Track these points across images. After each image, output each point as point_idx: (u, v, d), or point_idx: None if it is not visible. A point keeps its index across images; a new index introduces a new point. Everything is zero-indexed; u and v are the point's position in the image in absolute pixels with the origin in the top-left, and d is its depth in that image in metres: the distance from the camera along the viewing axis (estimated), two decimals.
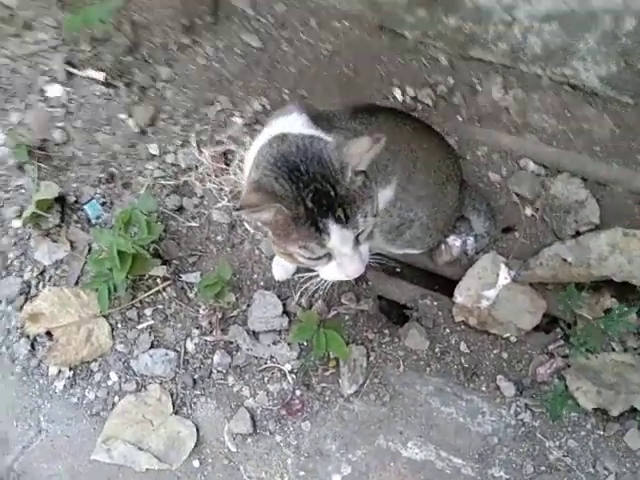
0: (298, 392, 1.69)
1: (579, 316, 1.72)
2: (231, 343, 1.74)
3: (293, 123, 1.27)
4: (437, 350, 1.76)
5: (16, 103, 2.07)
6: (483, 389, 1.70)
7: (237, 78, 2.05)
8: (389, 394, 1.69)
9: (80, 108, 2.04)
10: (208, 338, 1.74)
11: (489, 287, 1.81)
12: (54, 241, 1.90)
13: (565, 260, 1.77)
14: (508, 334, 1.77)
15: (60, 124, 2.02)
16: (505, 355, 1.75)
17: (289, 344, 1.73)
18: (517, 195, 1.90)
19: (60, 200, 1.93)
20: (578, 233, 1.84)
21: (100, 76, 2.05)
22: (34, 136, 2.00)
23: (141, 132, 2.00)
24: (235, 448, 1.65)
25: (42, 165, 1.98)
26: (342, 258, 1.13)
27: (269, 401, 1.69)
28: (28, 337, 1.78)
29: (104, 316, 1.79)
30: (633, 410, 1.62)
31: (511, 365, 1.73)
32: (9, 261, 1.88)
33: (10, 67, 2.05)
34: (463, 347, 1.76)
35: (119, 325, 1.78)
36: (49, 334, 1.77)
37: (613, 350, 1.71)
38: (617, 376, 1.64)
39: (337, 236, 1.08)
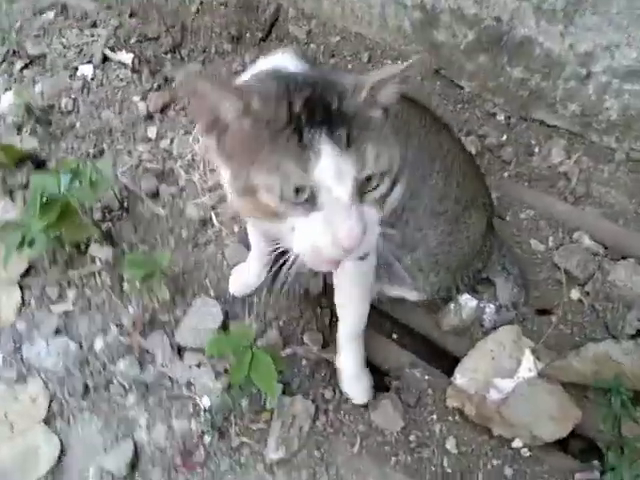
0: (207, 439, 1.21)
1: (627, 443, 1.17)
2: (147, 352, 1.32)
3: (289, 60, 0.93)
4: (413, 438, 1.24)
5: (47, 77, 1.98)
6: None
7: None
8: (329, 478, 1.17)
9: (99, 86, 1.92)
10: (123, 339, 1.34)
11: (504, 375, 1.32)
12: (12, 200, 1.66)
13: (617, 362, 1.26)
14: (519, 441, 1.23)
15: (73, 95, 1.88)
16: (509, 471, 1.20)
17: (216, 374, 1.28)
18: (564, 272, 1.45)
19: (38, 164, 1.72)
20: (638, 334, 1.34)
21: (129, 59, 1.94)
22: (43, 101, 1.87)
23: (148, 116, 1.82)
24: None
25: (39, 129, 1.81)
26: (333, 207, 0.73)
27: (166, 440, 1.22)
28: None
29: (21, 287, 1.46)
30: None
31: None
32: None
33: (58, 52, 2.01)
34: (450, 444, 1.24)
35: (32, 301, 1.45)
36: None
37: None
38: None
39: (330, 162, 0.72)
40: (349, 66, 1.93)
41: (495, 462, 1.22)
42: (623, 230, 1.52)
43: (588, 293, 1.43)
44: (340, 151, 0.73)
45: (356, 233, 0.72)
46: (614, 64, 1.55)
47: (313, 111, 0.74)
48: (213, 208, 1.56)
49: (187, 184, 1.63)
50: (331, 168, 0.72)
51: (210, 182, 1.60)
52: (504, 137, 1.73)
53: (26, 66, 2.06)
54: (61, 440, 1.24)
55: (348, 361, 1.26)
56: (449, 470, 1.21)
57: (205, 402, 1.26)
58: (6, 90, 1.97)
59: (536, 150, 1.70)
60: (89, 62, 2.00)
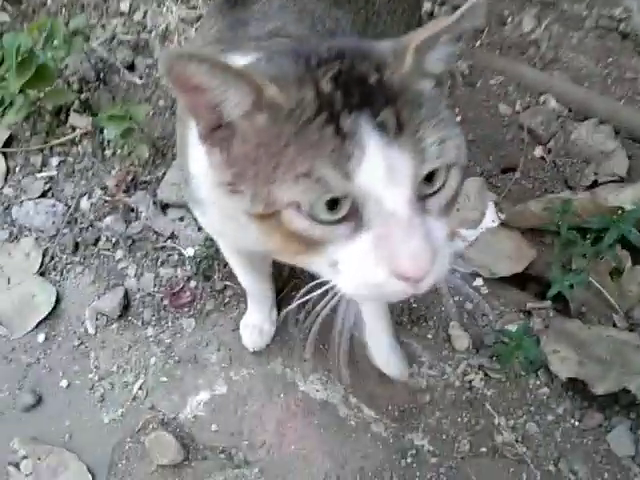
0: (193, 283, 1.32)
1: (574, 270, 1.28)
2: (132, 211, 1.40)
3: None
4: None
5: None
6: (429, 336, 1.27)
7: None
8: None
9: None
10: (107, 198, 1.40)
11: (469, 226, 1.41)
12: None
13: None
14: (479, 279, 1.34)
15: None
16: (469, 305, 1.32)
17: (199, 227, 1.36)
18: (528, 131, 1.52)
19: None
20: (595, 185, 1.43)
21: None
22: None
23: None
24: (93, 330, 1.28)
25: (9, 7, 1.78)
26: (388, 223, 0.53)
27: (155, 286, 1.32)
28: None
29: (4, 155, 1.50)
30: (627, 404, 1.14)
31: (473, 317, 1.30)
32: None
33: None
34: None
35: (17, 169, 1.50)
36: None
37: (614, 326, 1.25)
38: (613, 353, 1.18)
39: (379, 156, 0.51)
40: None
41: (457, 298, 1.33)
42: (588, 92, 1.58)
43: (550, 151, 1.51)
44: (390, 140, 0.52)
45: (424, 258, 0.52)
46: None
47: (347, 89, 0.54)
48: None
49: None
50: (382, 165, 0.51)
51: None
52: None
53: None
54: (57, 290, 1.32)
55: (379, 339, 1.18)
56: (415, 306, 1.32)
57: (189, 252, 1.34)
58: None
59: (509, 20, 1.73)
60: None
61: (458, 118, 1.56)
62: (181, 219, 1.38)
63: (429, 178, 0.55)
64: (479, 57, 1.66)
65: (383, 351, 1.19)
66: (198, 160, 0.66)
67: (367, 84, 0.54)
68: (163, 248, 1.37)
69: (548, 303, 1.31)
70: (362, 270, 0.54)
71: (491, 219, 1.44)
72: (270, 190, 0.53)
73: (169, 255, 1.36)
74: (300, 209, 0.53)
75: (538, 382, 1.21)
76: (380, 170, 0.51)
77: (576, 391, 1.18)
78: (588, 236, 1.25)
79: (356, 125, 0.51)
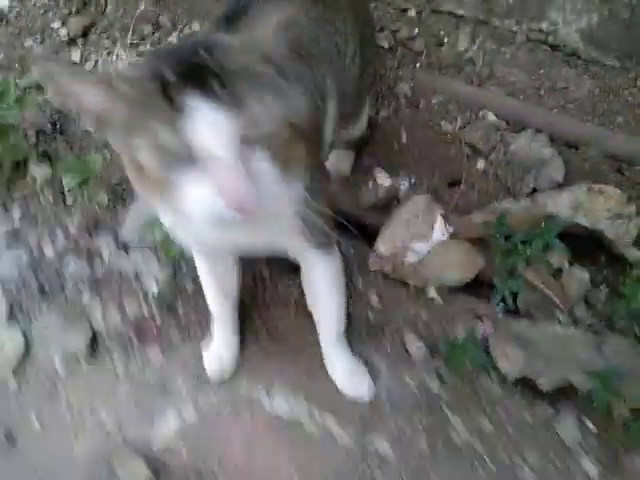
0: (158, 317, 1.43)
1: (517, 276, 1.43)
2: (92, 257, 1.52)
3: None
4: None
5: None
6: (387, 348, 1.40)
7: (185, 1, 1.99)
8: (266, 336, 1.41)
9: (18, 17, 2.01)
10: (70, 245, 1.53)
11: (420, 239, 1.55)
12: None
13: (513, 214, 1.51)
14: (432, 291, 1.48)
15: None
16: (425, 316, 1.46)
17: (160, 265, 1.49)
18: (469, 146, 1.68)
19: None
20: (535, 191, 1.59)
21: None
22: None
23: (70, 41, 1.95)
24: (64, 371, 1.38)
25: None
26: (214, 165, 0.70)
27: (123, 323, 1.44)
28: None
29: None
30: (571, 395, 1.27)
31: (429, 326, 1.43)
32: None
33: None
34: (374, 300, 1.48)
35: None
36: None
37: (559, 322, 1.39)
38: (557, 349, 1.32)
39: (205, 117, 0.69)
40: None
41: (413, 310, 1.47)
42: (523, 104, 1.75)
43: (491, 163, 1.66)
44: (215, 101, 0.70)
45: (244, 191, 0.69)
46: None
47: (185, 74, 0.72)
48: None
49: None
50: (206, 123, 0.69)
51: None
52: (415, 30, 1.91)
53: None
54: (25, 336, 1.44)
55: (340, 365, 1.32)
56: (374, 322, 1.45)
57: (153, 288, 1.47)
58: None
59: (445, 40, 1.89)
60: None
61: (404, 138, 1.72)
62: (143, 258, 1.50)
63: (255, 125, 0.72)
64: (420, 78, 1.83)
65: (344, 377, 1.33)
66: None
67: (199, 65, 0.72)
68: (127, 287, 1.48)
69: (497, 307, 1.45)
70: (199, 200, 0.72)
71: (440, 232, 1.57)
72: (130, 147, 0.74)
73: (134, 294, 1.48)
74: (151, 157, 0.72)
75: (490, 381, 1.34)
76: (206, 124, 0.69)
77: (525, 387, 1.31)
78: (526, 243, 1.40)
79: (187, 94, 0.69)
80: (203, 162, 0.70)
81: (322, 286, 1.23)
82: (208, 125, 0.69)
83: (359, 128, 1.59)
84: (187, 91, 0.70)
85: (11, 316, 1.47)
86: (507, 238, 1.44)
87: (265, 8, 0.78)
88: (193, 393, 1.34)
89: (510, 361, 1.31)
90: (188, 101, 0.69)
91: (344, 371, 1.34)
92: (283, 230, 1.00)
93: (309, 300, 1.29)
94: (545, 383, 1.27)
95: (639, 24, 1.67)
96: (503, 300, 1.40)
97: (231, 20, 1.01)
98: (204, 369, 1.35)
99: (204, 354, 1.36)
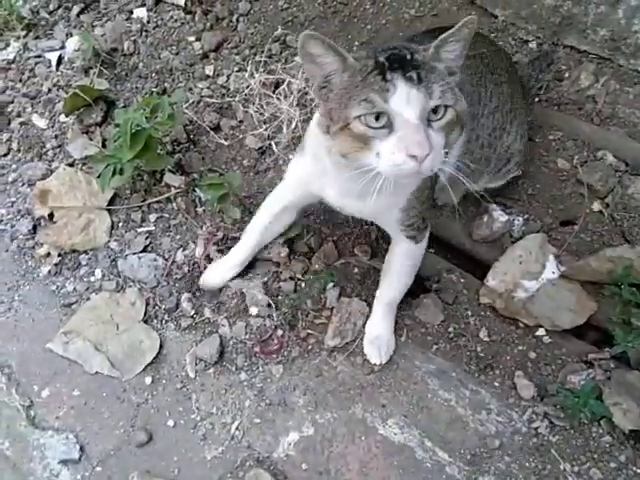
0: (280, 332, 1.47)
1: (635, 328, 1.36)
2: None
3: None
4: (451, 330, 1.47)
5: (104, 21, 2.12)
6: (496, 384, 1.38)
7: (311, 23, 1.99)
8: None
9: (156, 28, 2.06)
10: (199, 254, 1.57)
11: (531, 277, 1.51)
12: (90, 139, 1.86)
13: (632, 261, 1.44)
14: (542, 330, 1.44)
15: (133, 37, 2.03)
16: (532, 355, 1.42)
17: (283, 279, 1.51)
18: (587, 186, 1.61)
19: (109, 104, 1.90)
20: None
21: (181, 1, 2.07)
22: (107, 45, 2.03)
23: (203, 55, 1.98)
24: (193, 374, 1.44)
25: (105, 71, 1.98)
26: (405, 127, 0.92)
27: (246, 334, 1.47)
28: (33, 218, 1.71)
29: (109, 211, 1.69)
30: None
31: (537, 366, 1.40)
32: (44, 149, 1.86)
33: None
34: (483, 334, 1.46)
35: (120, 224, 1.68)
36: (51, 217, 1.68)
37: None
38: None
39: (404, 92, 0.92)
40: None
41: (521, 347, 1.44)
42: None
43: (608, 205, 1.59)
44: (412, 85, 0.92)
45: (424, 145, 0.90)
46: None
47: (393, 61, 0.96)
48: (270, 138, 1.74)
49: (245, 117, 1.80)
50: (404, 97, 0.92)
51: (266, 114, 1.77)
52: (537, 62, 1.83)
53: (82, 11, 2.21)
54: (160, 335, 1.49)
55: (377, 323, 1.43)
56: (482, 355, 1.43)
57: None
58: (67, 36, 2.13)
59: (566, 75, 1.81)
60: (142, 5, 2.14)
61: (519, 172, 1.66)
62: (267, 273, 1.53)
63: (435, 112, 0.95)
64: (538, 112, 1.76)
65: (374, 339, 1.41)
66: (311, 130, 1.19)
67: (405, 60, 0.96)
68: (251, 300, 1.51)
69: (608, 354, 1.39)
70: (392, 155, 0.92)
71: (551, 271, 1.53)
72: (345, 112, 0.95)
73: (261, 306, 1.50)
74: (361, 120, 0.94)
75: (601, 430, 1.30)
76: (404, 98, 0.92)
77: (637, 440, 1.27)
78: None
79: (393, 77, 0.93)
80: (398, 127, 0.92)
81: (397, 263, 1.36)
82: (407, 99, 0.92)
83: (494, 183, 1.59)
84: (394, 74, 0.93)
85: (146, 314, 1.53)
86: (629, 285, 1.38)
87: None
88: (311, 409, 1.36)
89: (625, 413, 1.27)
90: (394, 80, 0.93)
91: (375, 331, 1.43)
92: (392, 208, 1.21)
93: (384, 266, 1.41)
94: None
95: None
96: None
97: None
98: (322, 386, 1.38)
99: (210, 265, 1.53)
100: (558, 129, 1.72)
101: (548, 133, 1.72)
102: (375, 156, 0.95)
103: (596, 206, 1.60)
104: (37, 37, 2.14)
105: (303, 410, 1.37)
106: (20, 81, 2.01)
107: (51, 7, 2.24)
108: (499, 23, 1.93)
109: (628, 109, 1.72)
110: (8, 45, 2.11)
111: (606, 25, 1.75)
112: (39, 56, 2.08)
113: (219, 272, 1.53)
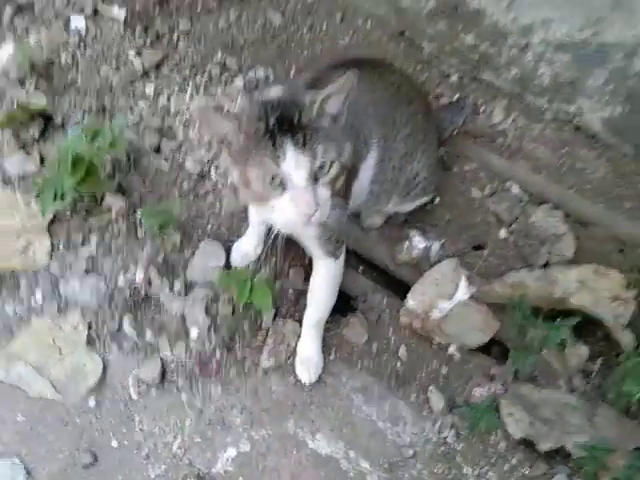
0: (218, 353, 1.51)
1: (530, 346, 1.51)
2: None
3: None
4: (374, 347, 1.57)
5: (39, 26, 2.02)
6: (412, 398, 1.50)
7: (251, 46, 1.99)
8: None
9: (94, 40, 1.98)
10: (139, 278, 1.57)
11: (445, 299, 1.62)
12: (27, 153, 1.79)
13: (530, 287, 1.58)
14: (453, 348, 1.57)
15: (71, 49, 1.95)
16: (444, 370, 1.55)
17: (222, 302, 1.55)
18: (494, 214, 1.73)
19: (46, 119, 1.84)
20: (547, 264, 1.66)
21: (121, 15, 2.00)
22: (43, 55, 1.94)
23: (144, 73, 1.93)
24: (136, 396, 1.47)
25: (41, 83, 1.90)
26: (295, 189, 1.03)
27: (186, 356, 1.50)
28: None
29: (49, 233, 1.65)
30: (566, 456, 1.38)
31: (448, 381, 1.53)
32: None
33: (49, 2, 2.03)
34: (402, 352, 1.57)
35: (61, 246, 1.65)
36: None
37: (559, 387, 1.49)
38: (556, 414, 1.42)
39: (292, 157, 1.01)
40: (324, 24, 2.04)
41: (435, 364, 1.56)
42: (545, 180, 1.79)
43: (512, 232, 1.72)
44: (298, 149, 1.01)
45: (311, 204, 1.02)
46: (548, 37, 1.74)
47: (282, 124, 1.03)
48: (209, 162, 1.74)
49: (185, 139, 1.79)
50: (293, 161, 1.01)
51: (206, 137, 1.77)
52: (456, 96, 1.93)
53: (15, 14, 2.08)
54: (102, 359, 1.50)
55: (307, 345, 1.50)
56: (401, 371, 1.54)
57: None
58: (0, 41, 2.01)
59: (482, 109, 1.91)
60: (80, 12, 2.04)
61: (436, 200, 1.76)
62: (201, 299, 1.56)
63: (322, 167, 1.04)
64: (455, 143, 1.86)
65: (304, 359, 1.49)
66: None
67: (293, 121, 1.03)
68: (191, 322, 1.55)
69: (508, 368, 1.54)
70: (284, 210, 1.05)
71: (463, 293, 1.65)
72: (245, 171, 1.06)
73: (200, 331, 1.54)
74: (257, 178, 1.04)
75: (497, 438, 1.44)
76: (293, 162, 1.01)
77: (527, 445, 1.42)
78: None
79: (283, 142, 1.01)
80: (290, 187, 1.02)
81: (318, 281, 1.43)
82: (295, 163, 1.01)
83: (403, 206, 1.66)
84: (283, 138, 1.01)
85: (89, 338, 1.53)
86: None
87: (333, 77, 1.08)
88: (247, 427, 1.43)
89: (516, 423, 1.41)
90: (284, 146, 1.01)
91: (304, 352, 1.50)
92: (312, 234, 1.30)
93: (309, 287, 1.47)
94: (544, 445, 1.38)
95: None
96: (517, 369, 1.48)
97: (313, 82, 1.27)
98: (258, 405, 1.44)
99: (234, 247, 1.61)
100: (473, 160, 1.83)
101: (464, 164, 1.82)
102: (271, 208, 1.08)
103: (502, 233, 1.73)
104: None
105: (240, 428, 1.43)
106: None
107: None
108: (425, 56, 2.00)
109: (533, 144, 1.84)
110: None
111: (517, 66, 1.85)
112: None
113: (242, 254, 1.62)
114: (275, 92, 1.17)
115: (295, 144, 1.02)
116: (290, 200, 1.04)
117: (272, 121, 1.04)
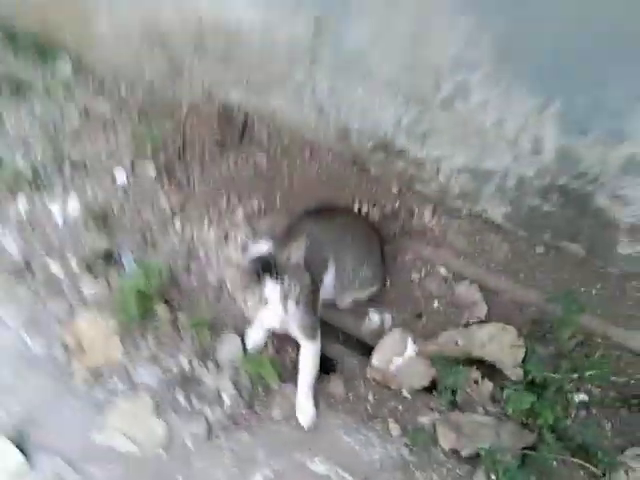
0: (244, 411, 2.20)
1: (454, 385, 2.19)
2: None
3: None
4: (350, 396, 2.25)
5: (93, 180, 2.81)
6: (378, 428, 2.17)
7: (246, 183, 2.74)
8: None
9: (135, 190, 2.76)
10: (185, 363, 2.29)
11: (398, 356, 2.32)
12: (95, 277, 2.54)
13: (456, 343, 2.28)
14: (405, 391, 2.25)
15: (118, 200, 2.73)
16: (400, 407, 2.23)
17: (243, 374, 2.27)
18: (429, 291, 2.45)
19: (107, 254, 2.60)
20: (468, 324, 2.36)
21: (152, 171, 2.79)
22: (99, 206, 2.72)
23: (172, 213, 2.68)
24: (192, 446, 2.14)
25: (100, 226, 2.67)
26: (273, 304, 1.78)
27: (222, 415, 2.20)
28: (66, 346, 2.38)
29: (120, 338, 2.39)
30: (483, 461, 2.05)
31: (402, 414, 2.20)
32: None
33: (97, 159, 2.82)
34: (370, 397, 2.25)
35: (130, 346, 2.36)
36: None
37: (477, 412, 2.16)
38: (473, 431, 2.09)
39: (270, 286, 1.76)
40: (297, 160, 2.82)
41: (393, 403, 2.24)
42: (463, 262, 2.51)
43: (442, 303, 2.43)
44: (274, 282, 1.75)
45: (281, 310, 1.78)
46: (452, 164, 2.48)
47: (265, 268, 1.77)
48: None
49: (206, 261, 2.54)
50: (271, 288, 1.75)
51: (221, 257, 2.52)
52: (397, 204, 2.67)
53: (72, 170, 2.88)
54: (166, 422, 2.20)
55: (302, 400, 2.10)
56: (370, 410, 2.22)
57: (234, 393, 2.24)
58: (64, 193, 2.79)
59: (416, 212, 2.65)
60: (119, 163, 2.83)
61: (388, 283, 2.49)
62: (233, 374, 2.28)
63: (290, 289, 1.82)
64: (397, 241, 2.59)
65: (302, 410, 2.10)
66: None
67: (271, 266, 1.78)
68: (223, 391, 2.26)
69: (442, 401, 2.22)
70: (267, 317, 1.88)
71: (410, 351, 2.35)
72: (244, 292, 1.90)
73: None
74: (252, 299, 1.85)
75: (437, 451, 2.11)
76: (271, 288, 1.77)
77: (456, 453, 2.09)
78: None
79: (265, 277, 1.77)
80: (270, 303, 1.75)
81: (303, 357, 2.09)
82: (272, 290, 1.75)
83: (358, 295, 2.39)
84: (265, 275, 1.73)
85: (156, 409, 2.23)
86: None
87: (294, 236, 1.87)
88: (269, 459, 2.10)
89: (446, 439, 2.09)
90: (266, 281, 1.74)
91: (301, 406, 2.11)
92: (293, 326, 1.99)
93: (299, 361, 2.12)
94: (465, 452, 2.05)
95: (537, 211, 2.41)
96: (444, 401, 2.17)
97: (289, 229, 2.09)
98: (274, 442, 2.13)
99: (246, 334, 2.27)
100: (411, 252, 2.56)
101: (404, 255, 2.55)
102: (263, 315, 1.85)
103: (435, 304, 2.44)
104: (40, 194, 2.75)
105: (263, 461, 2.11)
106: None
107: (48, 167, 2.87)
108: (372, 176, 2.75)
109: (454, 235, 2.56)
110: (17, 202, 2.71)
111: (436, 181, 2.60)
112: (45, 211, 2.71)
113: (254, 340, 2.29)
114: (262, 247, 1.93)
115: (271, 278, 1.75)
116: (270, 311, 1.80)
117: (260, 267, 1.78)
